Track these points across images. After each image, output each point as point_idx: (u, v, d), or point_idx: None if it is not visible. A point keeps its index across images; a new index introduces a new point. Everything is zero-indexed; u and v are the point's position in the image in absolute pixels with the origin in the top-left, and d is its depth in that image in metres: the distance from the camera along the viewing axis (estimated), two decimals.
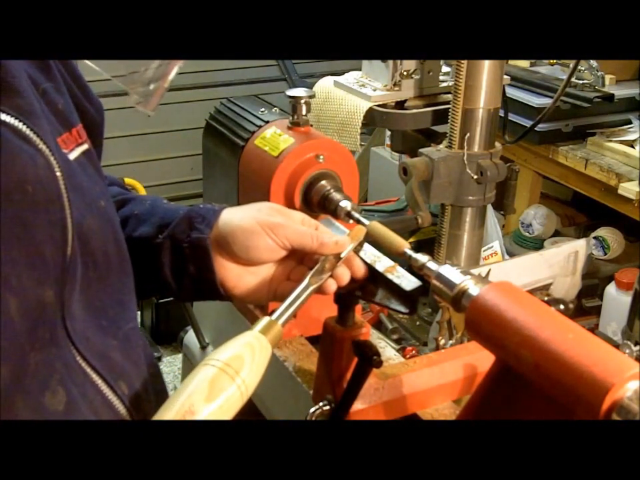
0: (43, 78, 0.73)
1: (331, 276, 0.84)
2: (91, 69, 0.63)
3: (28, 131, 0.65)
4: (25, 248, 0.63)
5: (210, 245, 0.86)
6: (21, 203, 0.62)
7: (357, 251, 0.87)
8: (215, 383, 0.66)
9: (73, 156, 0.73)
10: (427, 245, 1.43)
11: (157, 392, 0.80)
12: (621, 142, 1.96)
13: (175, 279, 0.89)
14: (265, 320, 0.75)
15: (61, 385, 0.67)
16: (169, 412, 0.64)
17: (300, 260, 0.88)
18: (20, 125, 0.65)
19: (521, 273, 1.18)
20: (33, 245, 0.64)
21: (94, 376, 0.71)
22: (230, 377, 0.67)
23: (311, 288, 0.81)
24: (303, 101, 1.13)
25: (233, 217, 0.88)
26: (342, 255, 0.85)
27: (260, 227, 0.85)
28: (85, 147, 0.76)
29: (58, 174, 0.67)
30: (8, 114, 0.64)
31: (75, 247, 0.68)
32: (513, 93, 1.97)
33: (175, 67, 0.66)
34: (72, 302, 0.69)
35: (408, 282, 0.83)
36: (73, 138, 0.74)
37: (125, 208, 0.93)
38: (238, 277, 0.88)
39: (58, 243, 0.66)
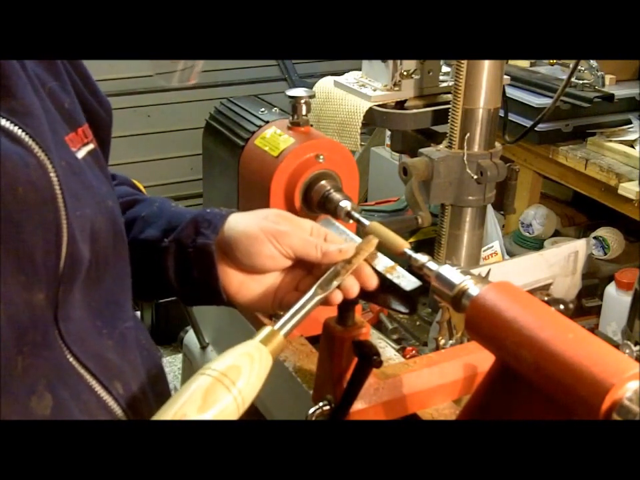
0: (50, 77, 0.72)
1: (339, 287, 0.81)
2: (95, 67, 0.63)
3: (20, 132, 0.64)
4: (13, 252, 0.62)
5: (215, 251, 0.85)
6: (12, 205, 0.61)
7: (369, 260, 0.84)
8: (210, 393, 0.64)
9: (80, 155, 0.73)
10: (427, 245, 1.43)
11: (158, 392, 0.79)
12: (621, 142, 1.96)
13: (178, 282, 0.89)
14: (266, 329, 0.73)
15: (49, 389, 0.66)
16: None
17: (309, 270, 0.86)
18: (11, 127, 0.64)
19: (520, 273, 1.18)
20: (23, 248, 0.63)
21: (88, 377, 0.70)
22: (226, 387, 0.65)
23: (317, 298, 0.79)
24: (303, 101, 1.13)
25: (238, 222, 0.86)
26: (350, 266, 0.81)
27: (264, 234, 0.83)
28: (91, 146, 0.76)
29: (52, 174, 0.65)
30: None
31: (76, 247, 0.68)
32: (513, 92, 1.97)
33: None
34: (67, 303, 0.69)
35: (408, 282, 0.83)
36: (78, 138, 0.73)
37: (133, 209, 0.92)
38: (240, 284, 0.87)
39: (51, 245, 0.65)
